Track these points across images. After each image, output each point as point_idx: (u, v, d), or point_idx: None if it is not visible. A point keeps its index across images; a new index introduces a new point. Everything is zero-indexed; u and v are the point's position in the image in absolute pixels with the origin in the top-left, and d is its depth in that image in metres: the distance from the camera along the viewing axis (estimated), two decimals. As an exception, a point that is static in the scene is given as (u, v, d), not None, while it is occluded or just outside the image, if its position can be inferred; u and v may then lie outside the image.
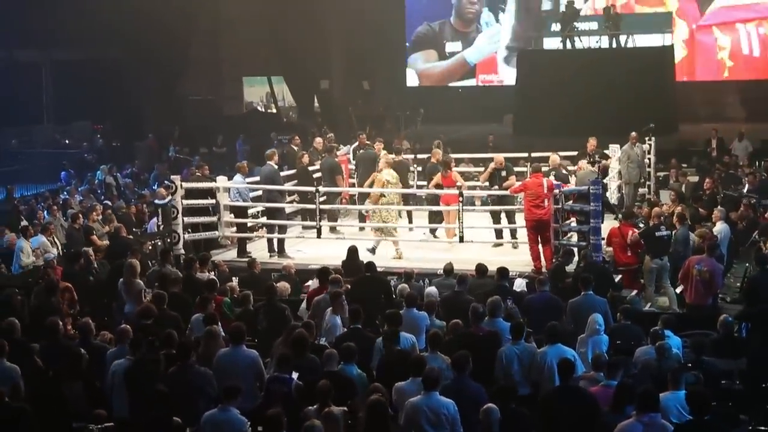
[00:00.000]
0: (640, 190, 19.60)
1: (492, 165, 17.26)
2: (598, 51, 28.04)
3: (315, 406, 8.55)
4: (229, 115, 32.88)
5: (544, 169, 16.66)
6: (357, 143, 19.38)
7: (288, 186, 17.50)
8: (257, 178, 17.49)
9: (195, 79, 32.38)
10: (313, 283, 13.50)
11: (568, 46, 27.83)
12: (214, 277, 13.45)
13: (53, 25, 27.50)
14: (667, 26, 29.84)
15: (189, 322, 11.43)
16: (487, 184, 17.44)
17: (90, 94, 29.66)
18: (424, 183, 18.23)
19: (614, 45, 27.51)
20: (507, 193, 16.05)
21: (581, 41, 27.94)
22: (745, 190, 19.93)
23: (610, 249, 15.32)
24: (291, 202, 17.57)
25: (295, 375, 9.53)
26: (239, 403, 8.65)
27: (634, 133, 19.47)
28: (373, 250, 15.91)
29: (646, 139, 20.09)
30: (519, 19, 31.46)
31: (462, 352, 9.37)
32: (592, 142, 18.75)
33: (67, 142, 29.46)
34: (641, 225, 15.78)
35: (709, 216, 16.35)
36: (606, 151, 19.03)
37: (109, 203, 20.12)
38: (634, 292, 14.46)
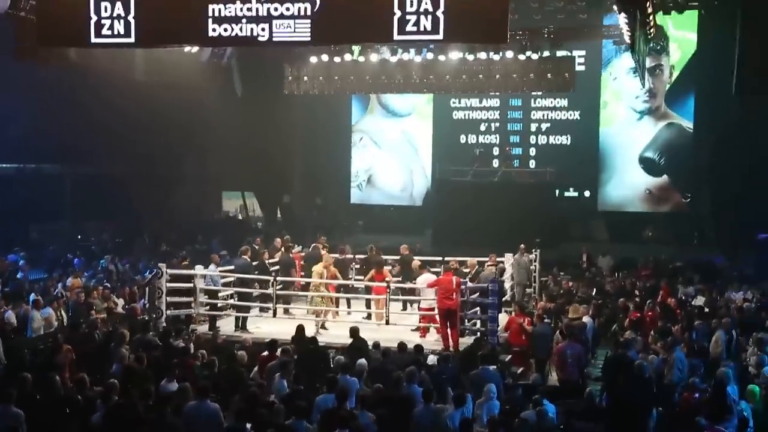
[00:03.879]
0: (527, 290, 19.54)
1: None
2: (497, 183, 28.54)
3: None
4: (209, 220, 32.61)
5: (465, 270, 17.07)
6: (317, 244, 19.05)
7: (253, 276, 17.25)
8: (232, 267, 17.30)
9: (184, 191, 32.15)
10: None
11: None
12: (186, 345, 13.24)
13: (74, 144, 27.26)
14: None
15: (166, 378, 11.16)
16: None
17: (101, 199, 29.46)
18: (361, 277, 18.09)
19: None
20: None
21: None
22: (593, 293, 20.08)
23: (506, 334, 15.29)
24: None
25: (248, 425, 9.35)
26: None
27: (522, 245, 19.54)
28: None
29: (533, 250, 20.16)
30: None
31: (383, 411, 9.28)
32: (493, 258, 18.52)
33: (79, 237, 28.85)
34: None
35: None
36: (501, 259, 18.93)
37: (109, 285, 19.69)
38: (521, 369, 14.44)
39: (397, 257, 18.27)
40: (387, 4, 11.55)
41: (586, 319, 15.50)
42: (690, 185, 29.30)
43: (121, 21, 12.56)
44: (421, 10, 11.46)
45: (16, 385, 10.15)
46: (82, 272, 21.91)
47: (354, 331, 13.49)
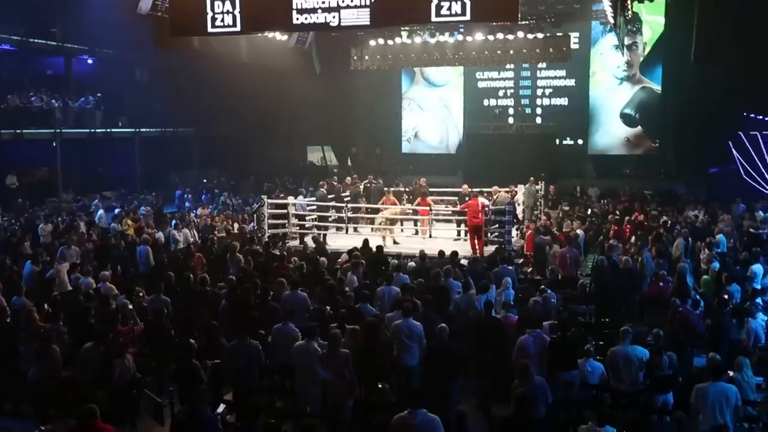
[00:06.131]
0: (534, 212, 19.09)
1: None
2: (512, 135, 27.95)
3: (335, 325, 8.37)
4: (297, 167, 32.55)
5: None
6: (367, 181, 19.00)
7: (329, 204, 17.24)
8: (313, 198, 17.28)
9: (279, 146, 32.16)
10: (343, 257, 13.25)
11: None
12: (282, 253, 13.33)
13: (199, 113, 27.39)
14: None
15: (267, 276, 11.27)
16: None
17: (220, 153, 29.69)
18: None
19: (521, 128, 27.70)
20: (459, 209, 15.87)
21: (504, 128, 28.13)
22: (589, 212, 19.68)
23: (520, 244, 15.12)
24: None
25: (328, 308, 9.47)
26: (297, 323, 8.50)
27: (532, 178, 19.06)
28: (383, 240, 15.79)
29: (539, 182, 19.70)
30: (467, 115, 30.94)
31: (428, 296, 9.26)
32: (513, 188, 18.00)
33: (204, 180, 29.13)
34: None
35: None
36: (515, 188, 18.54)
37: (228, 212, 19.90)
38: (530, 269, 14.29)
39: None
40: (426, -8, 11.16)
41: (579, 231, 15.20)
42: (658, 134, 28.40)
43: (230, 14, 12.40)
44: (453, -3, 11.07)
45: (163, 281, 10.45)
46: (208, 205, 22.27)
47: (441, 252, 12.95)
